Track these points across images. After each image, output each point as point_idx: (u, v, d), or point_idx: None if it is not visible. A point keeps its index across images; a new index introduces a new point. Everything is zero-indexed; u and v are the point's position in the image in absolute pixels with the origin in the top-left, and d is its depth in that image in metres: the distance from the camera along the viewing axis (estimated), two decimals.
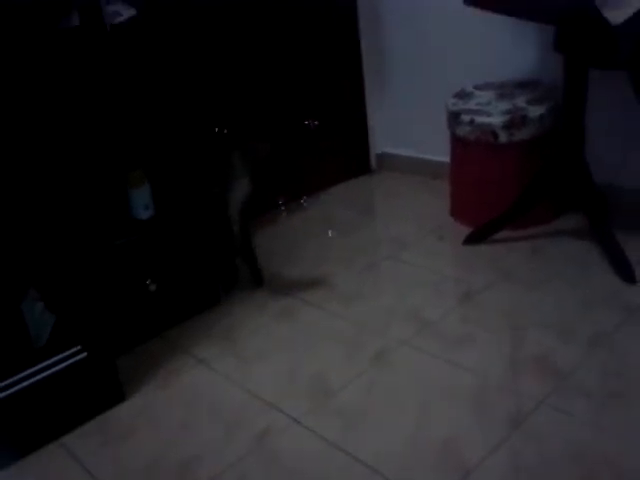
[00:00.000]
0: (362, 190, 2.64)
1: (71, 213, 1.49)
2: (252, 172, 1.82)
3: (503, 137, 2.00)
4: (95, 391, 1.53)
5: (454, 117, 2.12)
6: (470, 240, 2.07)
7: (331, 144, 2.62)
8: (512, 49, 2.21)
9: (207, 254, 1.88)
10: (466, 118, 2.06)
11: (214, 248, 1.90)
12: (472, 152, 2.11)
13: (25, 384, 1.40)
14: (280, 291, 1.94)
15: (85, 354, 1.48)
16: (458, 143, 2.17)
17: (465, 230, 2.11)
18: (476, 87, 2.27)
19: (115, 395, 1.56)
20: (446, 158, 2.29)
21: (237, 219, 1.87)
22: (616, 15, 1.41)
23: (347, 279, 1.96)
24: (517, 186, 2.00)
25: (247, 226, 1.91)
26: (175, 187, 1.87)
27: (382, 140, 2.76)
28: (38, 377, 1.42)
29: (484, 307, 1.72)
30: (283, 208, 2.38)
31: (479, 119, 2.03)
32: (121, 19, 1.58)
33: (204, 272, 1.89)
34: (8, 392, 1.38)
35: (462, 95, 2.23)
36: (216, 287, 1.93)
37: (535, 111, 2.00)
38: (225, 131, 1.93)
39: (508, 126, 1.97)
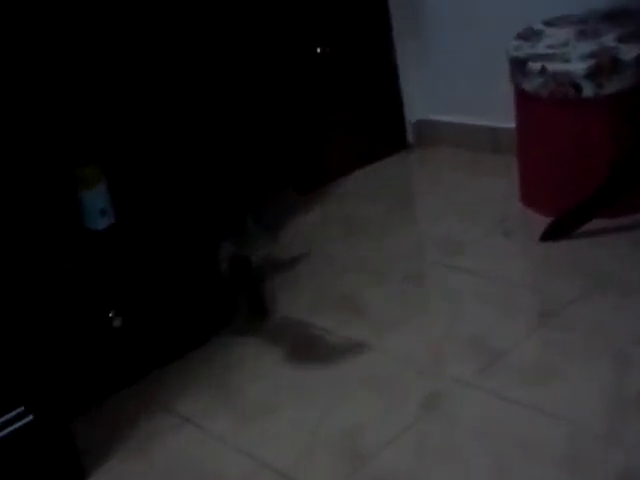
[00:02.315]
0: (396, 173, 2.64)
1: None
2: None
3: (588, 90, 1.99)
4: (45, 466, 1.53)
5: (519, 66, 2.11)
6: (549, 235, 2.06)
7: (350, 115, 2.63)
8: None
9: (191, 277, 1.90)
10: (535, 66, 2.05)
11: (200, 270, 1.92)
12: (546, 113, 2.10)
13: None
14: (291, 319, 1.96)
15: (30, 417, 1.49)
16: (526, 101, 2.16)
17: (541, 221, 2.10)
18: (547, 23, 2.26)
19: (72, 471, 1.56)
20: (510, 123, 2.29)
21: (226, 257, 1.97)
22: None
23: (381, 297, 1.98)
24: (610, 157, 2.00)
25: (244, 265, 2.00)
26: (144, 187, 1.89)
27: (420, 104, 2.75)
28: None
29: (572, 327, 1.72)
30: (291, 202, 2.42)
31: (553, 67, 2.03)
32: None
33: (187, 301, 1.90)
34: None
35: (528, 35, 2.22)
36: (204, 321, 1.94)
37: (629, 52, 1.99)
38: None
39: (593, 74, 1.98)
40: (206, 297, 1.94)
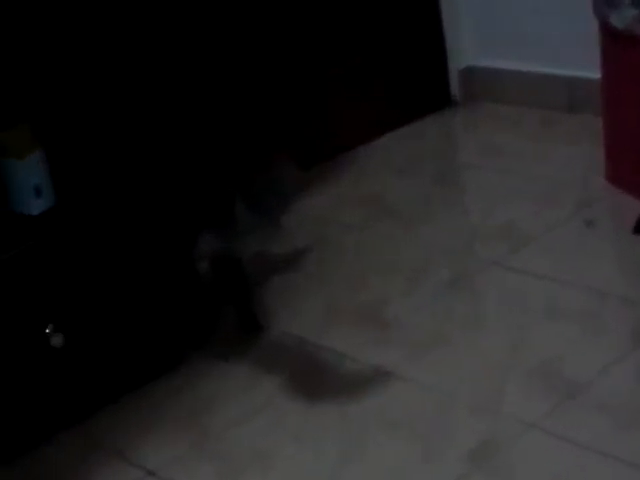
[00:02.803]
0: (435, 139, 2.65)
1: None
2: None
3: None
4: None
5: None
6: None
7: (371, 59, 2.66)
8: None
9: (158, 280, 1.88)
10: None
11: (171, 270, 1.91)
12: None
13: None
14: (292, 337, 1.96)
15: None
16: (615, 42, 2.15)
17: (635, 207, 2.11)
18: None
19: None
20: (593, 73, 2.31)
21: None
22: None
23: (414, 309, 1.98)
24: None
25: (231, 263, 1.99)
26: (94, 158, 1.87)
27: (469, 45, 2.77)
28: None
29: None
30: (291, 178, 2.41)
31: None
32: None
33: (152, 312, 1.89)
34: None
35: None
36: (175, 339, 1.93)
37: None
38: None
39: None
40: (178, 307, 1.94)
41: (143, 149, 1.94)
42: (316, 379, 1.84)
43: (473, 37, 2.77)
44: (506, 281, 2.02)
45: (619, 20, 2.08)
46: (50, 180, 1.83)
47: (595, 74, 2.28)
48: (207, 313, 2.00)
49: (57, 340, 1.76)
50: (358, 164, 2.56)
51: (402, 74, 2.74)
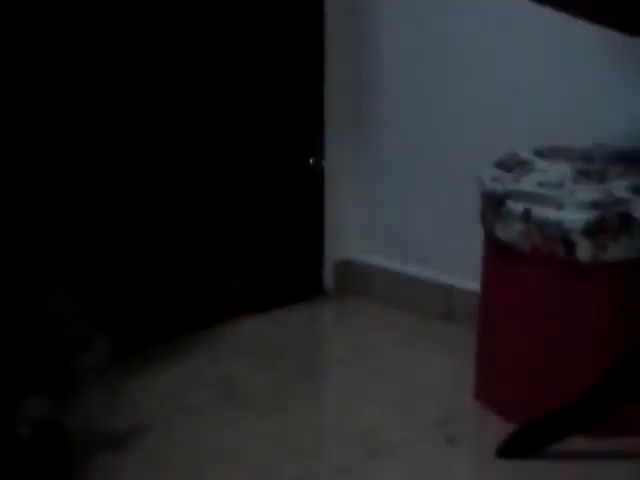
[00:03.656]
0: (302, 330, 2.66)
1: None
2: None
3: (584, 251, 2.01)
4: None
5: (493, 204, 2.12)
6: (509, 449, 2.04)
7: (238, 234, 2.66)
8: (613, 83, 2.28)
9: None
10: (517, 208, 2.06)
11: None
12: (524, 275, 2.11)
13: None
14: None
15: None
16: (498, 255, 2.16)
17: (501, 427, 2.09)
18: (538, 153, 2.30)
19: None
20: (472, 284, 2.33)
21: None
22: None
23: None
24: (606, 348, 2.03)
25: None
26: None
27: (348, 237, 2.80)
28: None
29: None
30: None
31: (540, 212, 2.04)
32: None
33: None
34: None
35: (511, 164, 2.25)
36: None
37: None
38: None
39: (594, 231, 2.00)
40: None
41: None
42: None
43: (354, 230, 2.78)
44: None
45: (505, 233, 2.09)
46: None
47: (474, 285, 2.30)
48: None
49: None
50: (215, 344, 2.52)
51: (277, 256, 2.74)
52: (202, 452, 2.08)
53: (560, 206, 2.03)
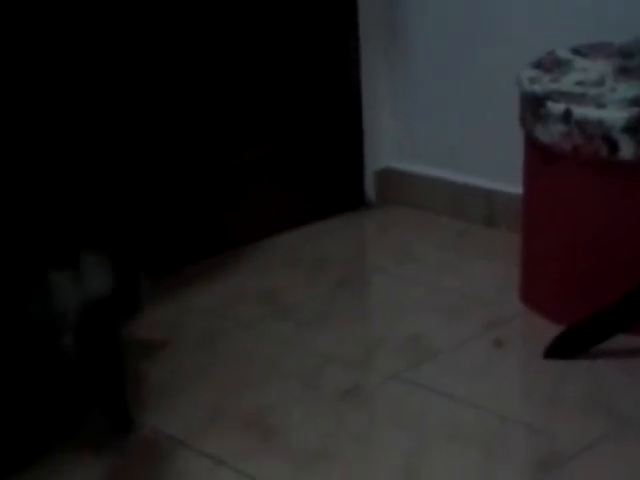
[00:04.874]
0: (345, 241, 2.68)
1: None
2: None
3: (627, 149, 2.01)
4: None
5: (533, 105, 2.11)
6: (556, 350, 2.07)
7: (278, 149, 2.67)
8: None
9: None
10: (556, 109, 2.06)
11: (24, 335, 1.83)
12: (567, 175, 2.11)
13: None
14: (165, 438, 1.90)
15: None
16: (539, 157, 2.16)
17: (547, 329, 2.11)
18: (576, 51, 2.28)
19: None
20: (515, 187, 2.33)
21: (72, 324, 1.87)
22: None
23: (303, 419, 1.94)
24: None
25: (103, 335, 1.90)
26: None
27: (388, 146, 2.80)
28: None
29: None
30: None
31: (581, 112, 2.03)
32: None
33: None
34: None
35: (550, 64, 2.23)
36: (31, 429, 1.84)
37: None
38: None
39: (637, 128, 2.00)
40: (36, 392, 1.85)
41: None
42: None
43: (393, 138, 2.79)
44: (404, 397, 1.99)
45: (545, 134, 2.09)
46: None
47: (516, 188, 2.29)
48: (72, 401, 1.93)
49: None
50: (259, 259, 2.55)
51: (317, 169, 2.75)
52: (251, 366, 2.12)
53: (601, 104, 2.02)
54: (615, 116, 1.99)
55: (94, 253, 1.87)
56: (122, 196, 2.36)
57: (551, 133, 2.07)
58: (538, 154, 2.16)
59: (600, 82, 2.12)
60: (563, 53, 2.26)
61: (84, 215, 2.20)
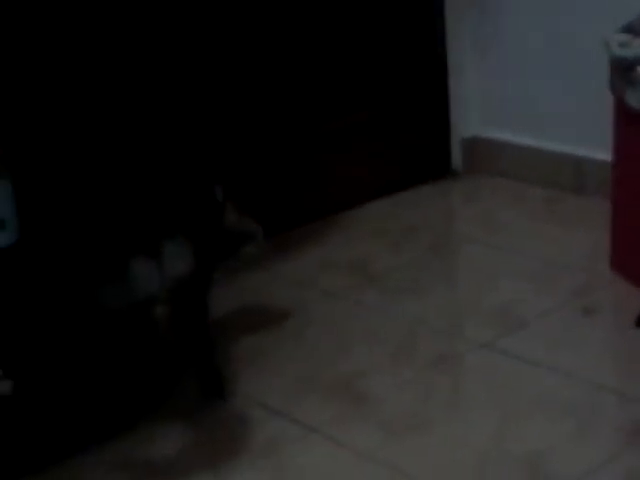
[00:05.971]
0: (432, 209, 2.68)
1: None
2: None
3: None
4: None
5: (623, 71, 2.10)
6: None
7: (364, 119, 2.69)
8: None
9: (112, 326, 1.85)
10: None
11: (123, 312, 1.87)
12: None
13: None
14: (257, 406, 1.92)
15: None
16: (631, 123, 2.15)
17: (638, 297, 2.11)
18: None
19: None
20: (605, 154, 2.32)
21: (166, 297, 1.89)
22: None
23: (397, 387, 1.96)
24: None
25: (196, 304, 1.94)
26: (63, 192, 1.87)
27: (475, 115, 2.81)
28: None
29: None
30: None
31: None
32: None
33: (105, 366, 1.86)
34: None
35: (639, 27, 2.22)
36: (126, 398, 1.90)
37: None
38: None
39: None
40: (130, 363, 1.90)
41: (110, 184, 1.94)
42: (281, 454, 1.78)
43: (479, 107, 2.79)
44: (495, 365, 1.99)
45: (636, 99, 2.07)
46: (15, 212, 1.81)
47: (606, 155, 2.29)
48: (164, 371, 1.97)
49: (4, 387, 1.72)
50: (347, 228, 2.57)
51: (403, 137, 2.76)
52: (342, 334, 2.15)
53: None
54: None
55: (176, 238, 1.90)
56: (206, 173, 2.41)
57: None
58: (628, 120, 2.14)
59: None
60: None
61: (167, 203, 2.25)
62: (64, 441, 1.82)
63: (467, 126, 2.82)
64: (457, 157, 2.83)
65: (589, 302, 2.17)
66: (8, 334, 1.75)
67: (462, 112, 2.81)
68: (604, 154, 2.31)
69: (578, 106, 2.51)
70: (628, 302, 2.11)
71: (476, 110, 2.80)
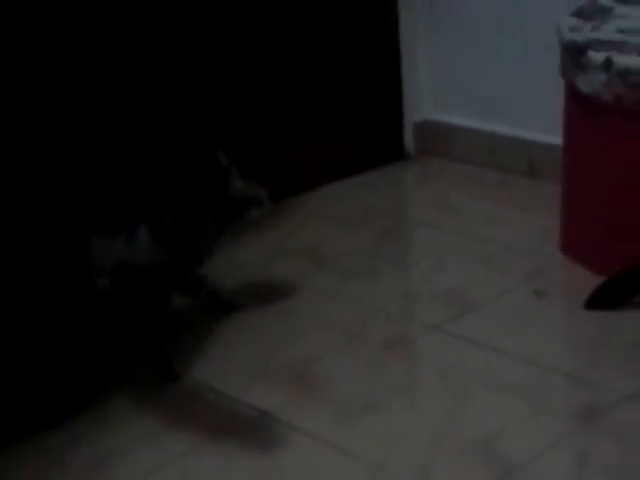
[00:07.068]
0: (385, 193, 2.67)
1: None
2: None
3: None
4: None
5: (573, 55, 2.10)
6: (597, 301, 2.08)
7: (320, 102, 2.68)
8: None
9: (61, 300, 1.84)
10: (597, 58, 2.04)
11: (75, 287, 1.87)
12: (608, 125, 2.09)
13: None
14: (208, 390, 1.93)
15: None
16: (580, 107, 2.16)
17: (589, 280, 2.11)
18: None
19: None
20: (555, 137, 2.32)
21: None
22: None
23: (349, 370, 1.97)
24: None
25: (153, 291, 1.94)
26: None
27: (427, 98, 2.81)
28: None
29: (623, 438, 1.71)
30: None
31: (623, 60, 2.02)
32: None
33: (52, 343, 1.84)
34: None
35: (591, 12, 2.22)
36: (81, 376, 1.89)
37: None
38: None
39: None
40: (80, 340, 1.89)
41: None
42: (232, 436, 1.80)
43: (432, 90, 2.79)
44: (446, 348, 2.00)
45: (586, 84, 2.08)
46: None
47: (557, 139, 2.29)
48: (118, 351, 1.98)
49: None
50: (301, 212, 2.57)
51: (356, 121, 2.75)
52: (294, 318, 2.14)
53: None
54: None
55: (150, 224, 1.89)
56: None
57: (592, 83, 2.06)
58: (579, 104, 2.15)
59: None
60: (604, 0, 2.25)
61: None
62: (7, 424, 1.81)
63: (419, 110, 2.82)
64: (409, 141, 2.82)
65: (540, 285, 2.18)
66: None
67: (414, 96, 2.81)
68: (555, 138, 2.32)
69: (530, 90, 2.51)
70: (578, 285, 2.12)
71: (428, 94, 2.80)
